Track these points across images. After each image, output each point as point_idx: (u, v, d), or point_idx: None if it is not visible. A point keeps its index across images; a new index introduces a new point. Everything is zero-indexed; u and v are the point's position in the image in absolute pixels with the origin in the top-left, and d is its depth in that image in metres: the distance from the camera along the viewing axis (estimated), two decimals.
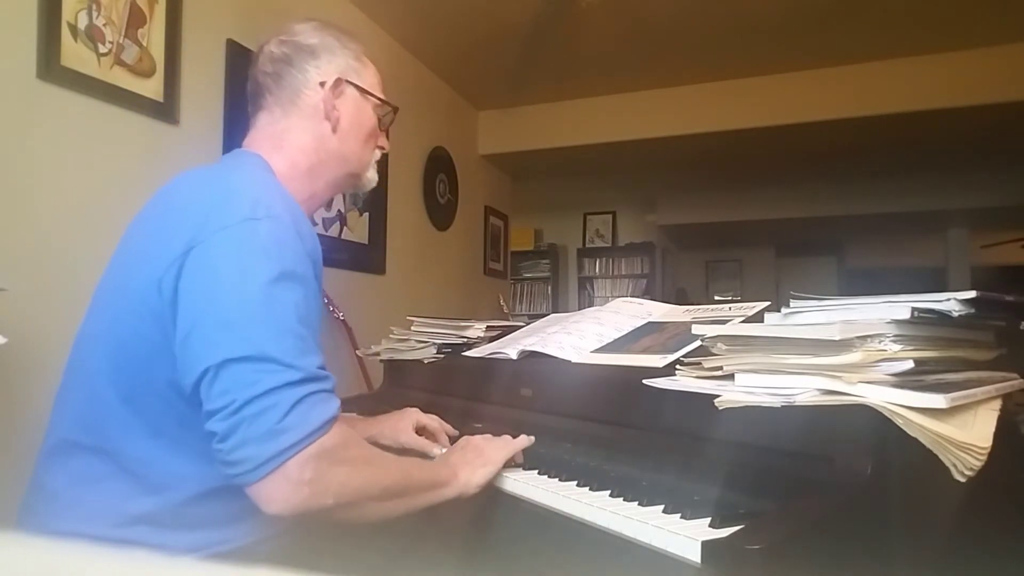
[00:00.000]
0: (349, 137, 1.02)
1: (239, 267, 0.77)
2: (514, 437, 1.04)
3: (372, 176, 1.09)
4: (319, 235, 2.68)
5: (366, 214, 2.77)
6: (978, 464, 0.69)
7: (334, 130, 1.00)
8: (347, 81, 1.01)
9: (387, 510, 0.82)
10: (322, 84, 0.99)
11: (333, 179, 1.03)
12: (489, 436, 1.05)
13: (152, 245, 0.82)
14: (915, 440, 0.68)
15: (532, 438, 1.05)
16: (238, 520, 0.82)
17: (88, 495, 0.80)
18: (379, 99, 1.06)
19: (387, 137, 1.11)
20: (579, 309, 1.60)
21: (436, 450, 1.16)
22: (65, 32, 1.50)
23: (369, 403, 1.55)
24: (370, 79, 1.06)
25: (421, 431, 1.20)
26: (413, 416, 1.22)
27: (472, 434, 1.11)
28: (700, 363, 0.93)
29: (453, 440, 1.20)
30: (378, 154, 1.09)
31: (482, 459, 0.97)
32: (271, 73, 0.99)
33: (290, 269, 0.79)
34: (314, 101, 0.98)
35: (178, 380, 0.77)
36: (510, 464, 1.02)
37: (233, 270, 0.76)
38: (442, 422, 1.22)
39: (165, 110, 1.76)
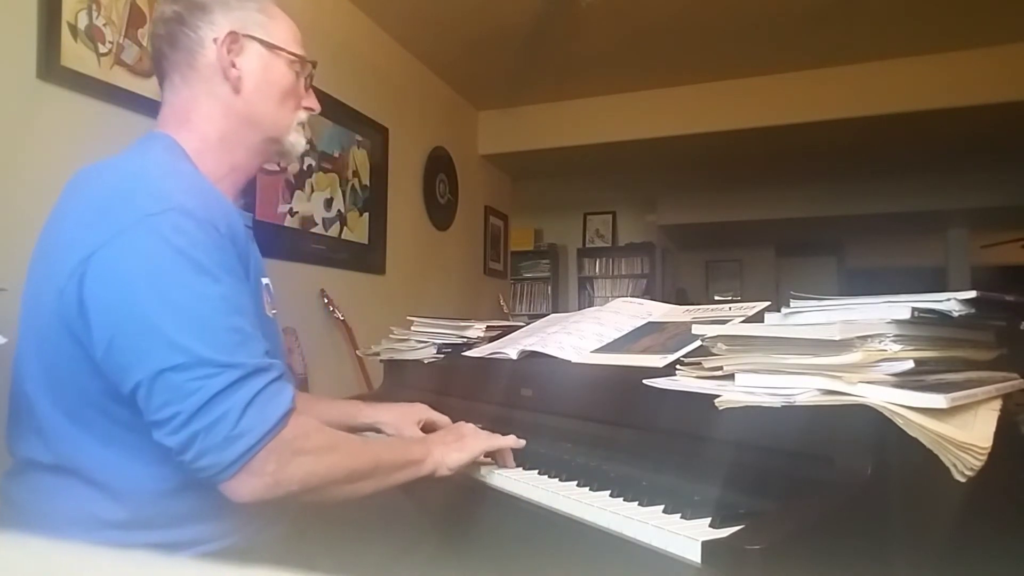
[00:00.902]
0: (258, 98, 0.92)
1: (148, 269, 0.71)
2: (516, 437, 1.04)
3: (296, 140, 0.98)
4: (319, 235, 2.67)
5: (366, 214, 2.77)
6: (978, 464, 0.69)
7: (236, 91, 0.90)
8: (246, 35, 0.91)
9: (357, 490, 0.82)
10: (216, 40, 0.89)
11: (251, 146, 0.94)
12: (478, 427, 1.04)
13: (54, 252, 0.77)
14: (915, 440, 0.68)
15: (522, 441, 1.03)
16: (215, 514, 0.80)
17: (55, 507, 0.77)
18: (291, 53, 0.95)
19: (315, 96, 1.02)
20: (579, 309, 1.60)
21: None
22: (65, 32, 1.50)
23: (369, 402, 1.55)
24: (280, 33, 0.95)
25: (429, 427, 1.18)
26: (422, 412, 1.19)
27: None
28: (700, 363, 0.93)
29: None
30: (303, 115, 0.98)
31: (460, 443, 0.96)
32: (164, 36, 0.90)
33: (203, 261, 0.73)
34: (210, 60, 0.89)
35: (112, 389, 0.73)
36: (501, 464, 1.01)
37: (142, 273, 0.71)
38: (451, 423, 1.18)
39: None
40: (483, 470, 1.01)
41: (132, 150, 0.88)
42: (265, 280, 0.91)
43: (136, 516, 0.77)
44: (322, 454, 0.79)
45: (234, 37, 0.90)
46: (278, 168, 2.19)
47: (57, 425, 0.77)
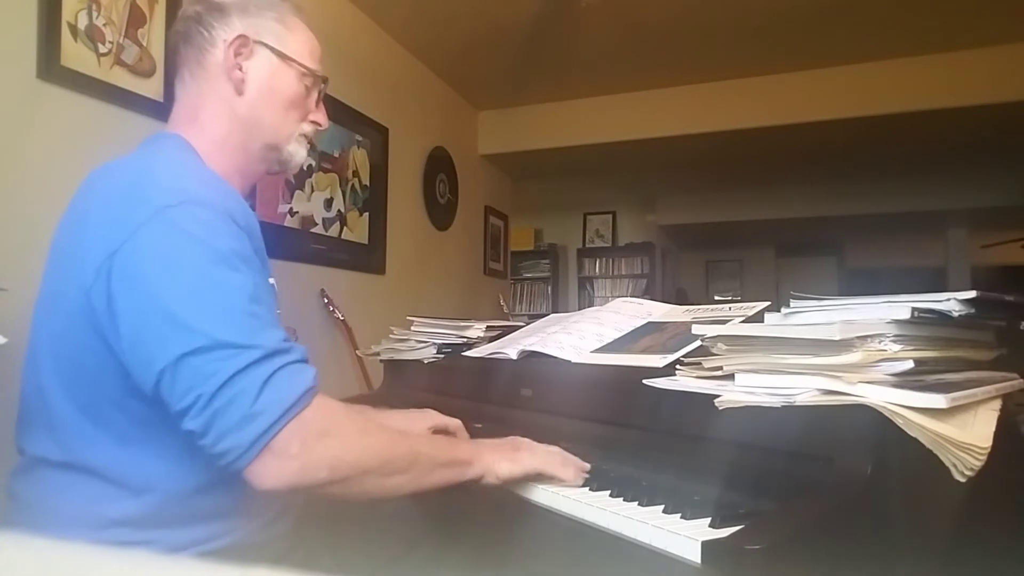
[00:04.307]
0: (261, 103, 0.93)
1: (165, 260, 0.72)
2: (518, 437, 0.99)
3: (295, 151, 0.98)
4: (319, 235, 2.67)
5: (366, 214, 2.77)
6: (978, 464, 0.69)
7: (239, 92, 0.92)
8: (257, 41, 0.93)
9: (394, 486, 0.78)
10: (226, 41, 0.92)
11: (251, 151, 0.95)
12: (545, 447, 0.94)
13: (75, 251, 0.78)
14: (915, 440, 0.68)
15: (586, 466, 0.93)
16: (221, 515, 0.80)
17: (65, 504, 0.77)
18: (302, 66, 0.96)
19: (324, 112, 1.02)
20: (579, 309, 1.60)
21: None
22: (65, 32, 1.50)
23: (369, 403, 1.55)
24: (295, 45, 0.96)
25: (440, 432, 1.13)
26: (431, 417, 1.15)
27: (473, 434, 1.11)
28: (700, 363, 0.93)
29: None
30: (307, 128, 0.99)
31: (515, 455, 0.90)
32: (181, 32, 0.94)
33: (224, 249, 0.74)
34: (217, 59, 0.91)
35: (133, 386, 0.74)
36: (553, 481, 0.90)
37: (161, 264, 0.72)
38: (461, 425, 1.15)
39: (165, 110, 1.74)
40: None
41: (143, 149, 0.90)
42: (271, 280, 0.91)
43: (145, 514, 0.77)
44: (352, 437, 0.76)
45: (244, 41, 0.92)
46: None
47: (72, 422, 0.77)
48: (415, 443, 0.83)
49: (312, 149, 1.04)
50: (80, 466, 0.77)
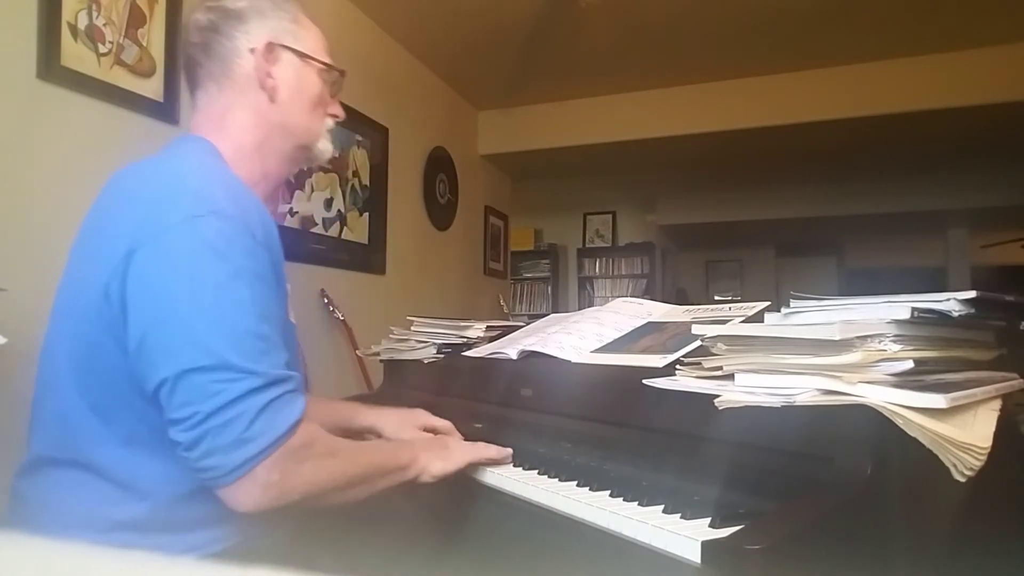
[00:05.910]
0: (291, 106, 0.94)
1: (187, 269, 0.73)
2: (513, 438, 1.04)
3: (325, 147, 1.00)
4: (319, 235, 2.67)
5: (366, 214, 2.77)
6: (978, 464, 0.69)
7: (272, 100, 0.92)
8: (281, 45, 0.92)
9: (351, 496, 0.83)
10: (252, 51, 0.91)
11: (283, 154, 0.96)
12: (461, 439, 1.08)
13: (96, 248, 0.79)
14: (915, 440, 0.68)
15: (508, 451, 1.04)
16: (226, 519, 0.80)
17: (70, 504, 0.78)
18: (322, 63, 0.97)
19: (339, 103, 1.03)
20: (579, 309, 1.60)
21: None
22: (65, 32, 1.50)
23: (369, 403, 1.54)
24: (311, 42, 0.97)
25: (429, 433, 1.17)
26: (422, 418, 1.18)
27: (473, 434, 1.12)
28: (700, 363, 0.93)
29: None
30: (330, 122, 1.01)
31: (445, 452, 0.97)
32: (199, 44, 0.91)
33: (241, 265, 0.75)
34: (246, 70, 0.91)
35: (141, 386, 0.74)
36: (488, 465, 1.01)
37: (181, 273, 0.73)
38: (452, 427, 1.18)
39: (165, 110, 1.76)
40: (480, 469, 1.01)
41: (173, 151, 0.89)
42: (288, 286, 0.92)
43: (149, 517, 0.77)
44: (324, 461, 0.79)
45: (271, 47, 0.92)
46: None
47: (83, 419, 0.78)
48: (370, 455, 0.90)
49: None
50: (87, 465, 0.78)
